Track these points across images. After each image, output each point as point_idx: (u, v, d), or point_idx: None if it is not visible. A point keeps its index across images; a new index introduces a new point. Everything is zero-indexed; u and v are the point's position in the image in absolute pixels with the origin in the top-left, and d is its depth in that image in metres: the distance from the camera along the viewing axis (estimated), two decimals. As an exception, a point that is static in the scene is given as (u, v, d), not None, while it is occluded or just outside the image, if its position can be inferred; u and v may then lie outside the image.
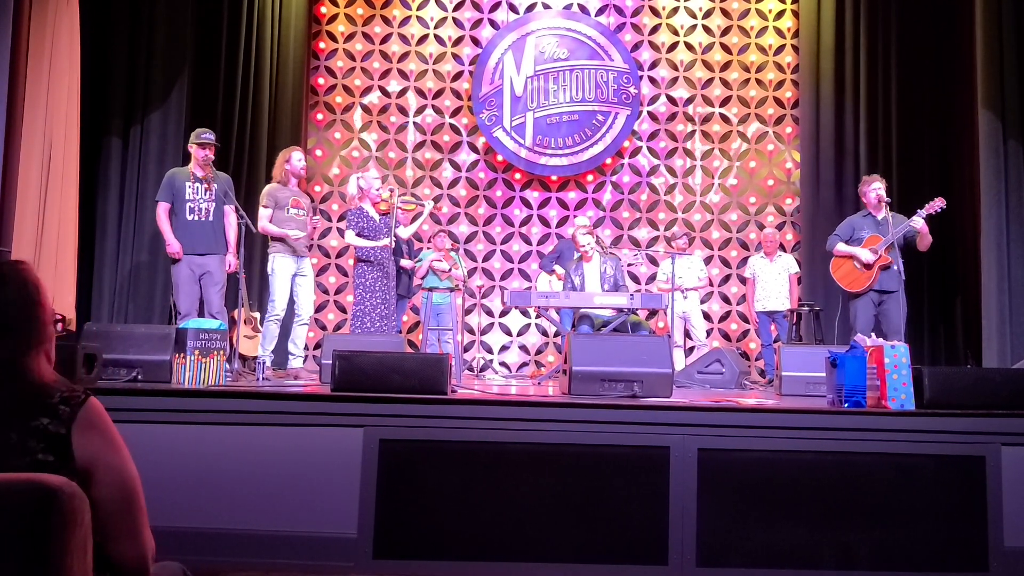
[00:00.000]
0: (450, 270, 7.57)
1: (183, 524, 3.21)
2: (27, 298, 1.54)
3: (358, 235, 5.91)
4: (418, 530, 3.43)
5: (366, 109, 8.93)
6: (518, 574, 3.35)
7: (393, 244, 6.03)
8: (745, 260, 8.68)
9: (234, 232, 5.72)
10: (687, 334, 7.84)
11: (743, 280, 8.59)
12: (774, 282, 7.59)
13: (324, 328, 8.55)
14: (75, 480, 1.44)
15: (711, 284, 8.62)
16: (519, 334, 8.81)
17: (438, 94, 8.98)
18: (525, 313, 8.77)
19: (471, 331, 8.75)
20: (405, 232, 6.41)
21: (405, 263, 7.27)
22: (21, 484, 1.21)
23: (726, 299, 8.81)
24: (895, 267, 5.75)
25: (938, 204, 5.81)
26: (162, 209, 5.60)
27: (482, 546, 3.41)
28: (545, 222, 8.91)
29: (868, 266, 5.82)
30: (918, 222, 5.75)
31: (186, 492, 3.31)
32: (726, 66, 9.01)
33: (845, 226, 6.11)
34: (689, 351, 7.81)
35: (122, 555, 1.53)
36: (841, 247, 5.96)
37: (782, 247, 8.16)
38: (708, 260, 8.66)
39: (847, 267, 5.94)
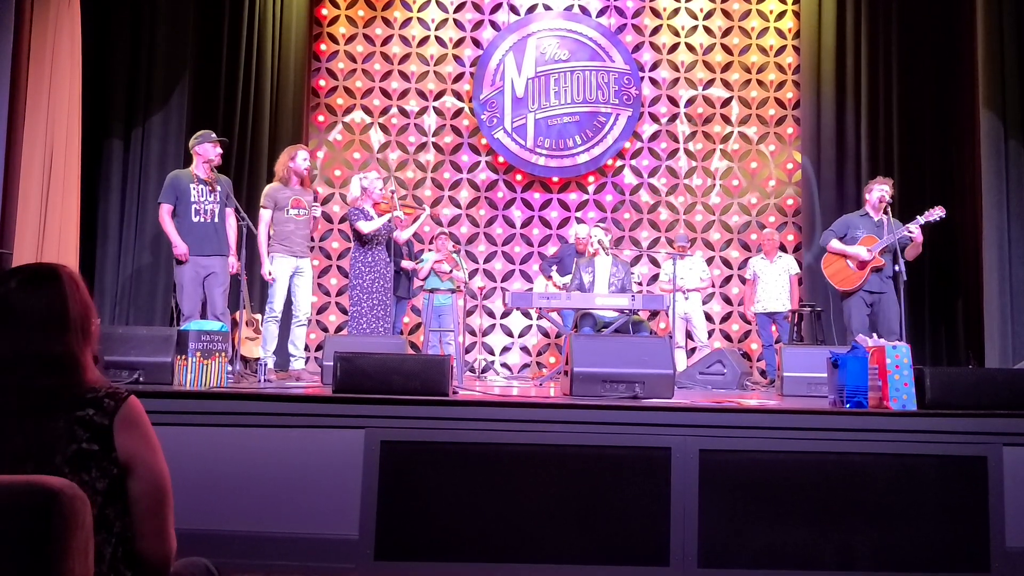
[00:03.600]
0: (451, 271, 7.57)
1: (185, 526, 3.19)
2: (83, 298, 1.63)
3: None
4: (420, 532, 3.43)
5: (367, 111, 8.93)
6: (519, 575, 3.35)
7: (393, 229, 6.07)
8: (746, 261, 8.66)
9: (235, 234, 5.73)
10: (688, 335, 7.84)
11: (744, 281, 8.59)
12: (774, 283, 7.59)
13: (326, 330, 8.55)
14: (118, 471, 1.53)
15: (712, 285, 8.62)
16: (520, 335, 8.81)
17: (439, 95, 8.98)
18: (526, 314, 8.77)
19: (472, 332, 8.75)
20: (403, 235, 6.43)
21: (407, 264, 7.28)
22: (22, 486, 1.22)
23: (727, 300, 8.81)
24: (889, 269, 5.75)
25: (937, 213, 5.80)
26: (165, 211, 5.58)
27: (484, 547, 3.41)
28: (546, 223, 8.92)
29: (861, 265, 5.81)
30: (915, 229, 5.74)
31: (187, 494, 3.31)
32: (727, 67, 9.01)
33: (840, 224, 6.12)
34: (691, 352, 7.81)
35: (148, 553, 1.58)
36: (835, 244, 5.97)
37: (782, 248, 8.15)
38: (709, 261, 8.65)
39: (838, 264, 5.94)
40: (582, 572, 3.38)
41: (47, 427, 1.49)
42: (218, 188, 5.64)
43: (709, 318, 8.54)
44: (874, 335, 4.42)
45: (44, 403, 1.51)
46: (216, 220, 5.64)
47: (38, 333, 1.55)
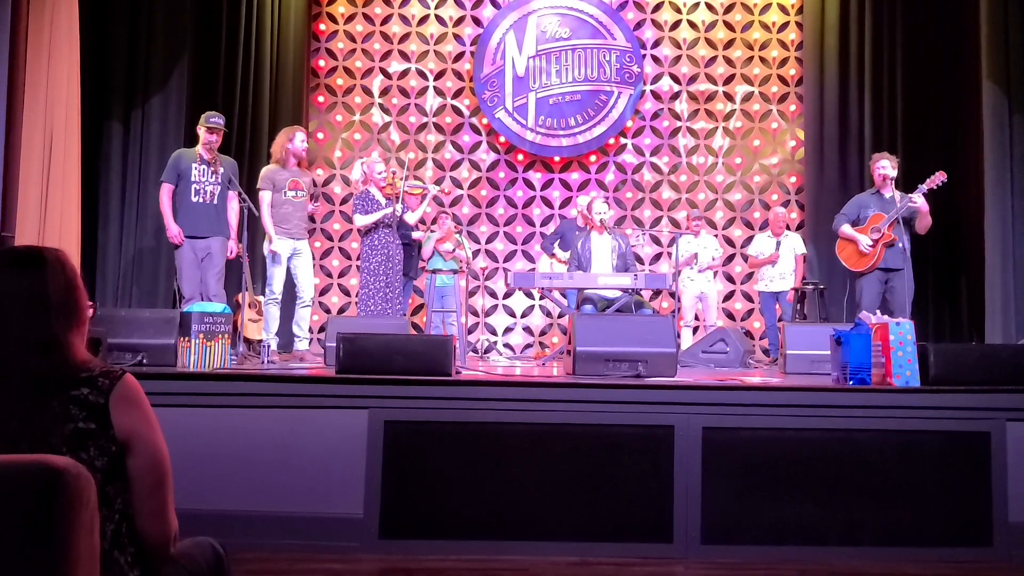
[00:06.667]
0: (454, 250, 7.56)
1: (190, 506, 3.22)
2: (69, 281, 1.63)
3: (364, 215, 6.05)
4: (424, 510, 3.45)
5: (367, 91, 8.89)
6: (523, 553, 3.37)
7: (398, 214, 6.08)
8: (749, 239, 8.63)
9: (236, 217, 5.72)
10: (697, 315, 7.79)
11: (746, 259, 8.57)
12: (780, 261, 7.53)
13: (328, 311, 8.56)
14: (116, 448, 1.53)
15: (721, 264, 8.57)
16: (523, 315, 8.82)
17: (439, 75, 8.93)
18: (529, 294, 8.76)
19: (475, 313, 8.75)
20: (412, 217, 6.42)
21: (417, 235, 7.25)
22: (26, 465, 1.22)
23: (730, 278, 8.79)
24: (899, 244, 5.73)
25: (939, 178, 5.78)
26: (165, 191, 5.61)
27: (488, 525, 3.43)
28: (548, 203, 8.89)
29: (872, 245, 5.80)
30: (918, 199, 5.72)
31: (193, 474, 3.33)
32: (729, 44, 8.94)
33: (852, 205, 6.09)
34: (696, 332, 7.79)
35: (148, 531, 1.58)
36: (845, 229, 5.95)
37: (787, 227, 8.08)
38: (711, 240, 8.63)
39: (852, 247, 5.92)
40: (586, 549, 3.40)
41: (41, 408, 1.49)
42: (221, 169, 5.64)
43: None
44: (877, 312, 4.41)
45: (35, 385, 1.51)
46: (215, 202, 5.65)
47: (18, 317, 1.55)
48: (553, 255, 7.94)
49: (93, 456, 1.50)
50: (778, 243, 7.60)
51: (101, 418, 1.53)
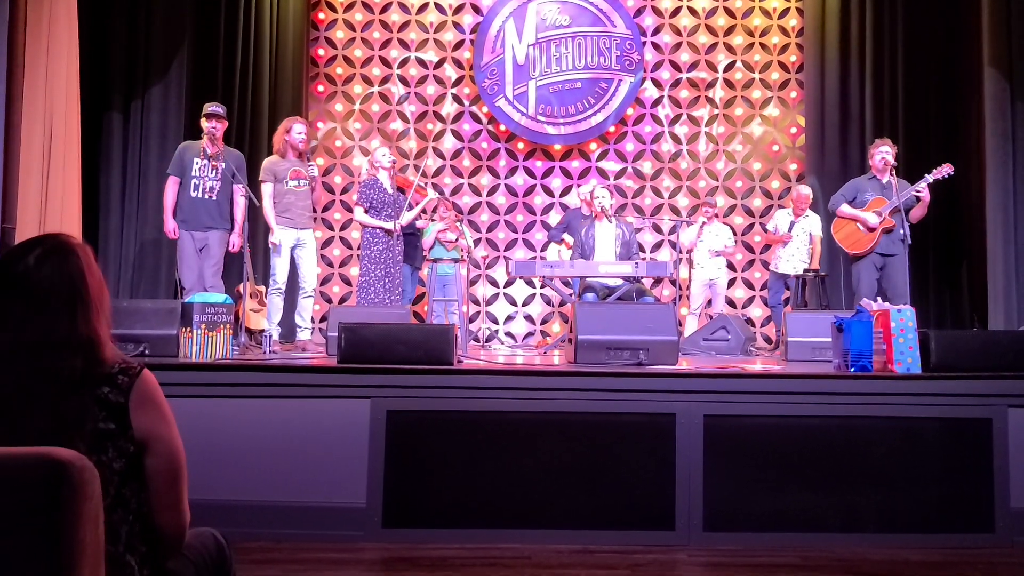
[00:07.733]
0: (457, 240, 7.55)
1: (193, 496, 3.23)
2: (96, 271, 1.61)
3: (367, 210, 6.04)
4: (427, 499, 3.47)
5: (367, 80, 8.86)
6: (526, 541, 3.38)
7: (398, 231, 6.10)
8: (751, 227, 8.63)
9: (241, 211, 5.73)
10: (709, 302, 7.74)
11: (747, 245, 8.57)
12: (793, 242, 7.38)
13: (330, 301, 8.56)
14: (134, 449, 1.53)
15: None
16: (524, 304, 8.82)
17: (439, 64, 8.90)
18: (530, 283, 8.76)
19: (476, 302, 8.75)
20: (406, 217, 6.40)
21: (420, 222, 7.24)
22: (31, 458, 1.22)
23: (731, 265, 8.76)
24: (899, 231, 5.73)
25: (945, 170, 5.76)
26: (170, 184, 5.67)
27: (490, 514, 3.45)
28: (548, 192, 8.87)
29: (871, 229, 5.80)
30: (922, 188, 5.71)
31: (195, 465, 3.31)
32: (730, 31, 8.90)
33: (849, 187, 6.10)
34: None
35: (164, 524, 1.60)
36: (845, 208, 5.95)
37: (809, 208, 7.81)
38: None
39: (849, 228, 5.93)
40: (588, 537, 3.42)
41: (66, 408, 1.47)
42: (222, 165, 5.65)
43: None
44: (879, 299, 4.42)
45: (65, 384, 1.48)
46: (215, 197, 5.69)
47: (60, 313, 1.52)
48: (562, 241, 7.93)
49: (112, 458, 1.49)
50: (793, 223, 7.42)
51: (120, 418, 1.51)
